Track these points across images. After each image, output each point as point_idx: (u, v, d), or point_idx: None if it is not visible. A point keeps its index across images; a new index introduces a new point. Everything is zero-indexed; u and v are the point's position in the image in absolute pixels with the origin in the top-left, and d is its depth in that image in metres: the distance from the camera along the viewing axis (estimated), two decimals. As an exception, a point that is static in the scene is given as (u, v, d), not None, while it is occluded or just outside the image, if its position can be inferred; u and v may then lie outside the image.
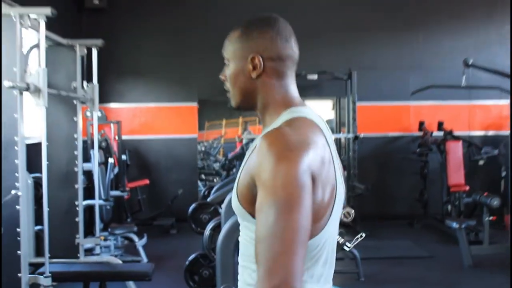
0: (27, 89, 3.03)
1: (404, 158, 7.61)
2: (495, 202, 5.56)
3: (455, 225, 5.57)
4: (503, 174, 6.87)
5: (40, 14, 3.13)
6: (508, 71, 5.79)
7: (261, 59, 1.36)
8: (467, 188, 6.58)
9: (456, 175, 6.71)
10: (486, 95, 7.53)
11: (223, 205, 3.00)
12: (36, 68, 3.16)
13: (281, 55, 1.38)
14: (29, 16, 3.15)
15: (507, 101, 6.19)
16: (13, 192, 2.90)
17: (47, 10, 3.12)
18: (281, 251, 1.06)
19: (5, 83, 2.91)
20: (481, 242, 5.76)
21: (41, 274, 3.15)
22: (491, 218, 5.77)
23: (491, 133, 7.80)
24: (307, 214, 1.11)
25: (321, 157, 1.22)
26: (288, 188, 1.11)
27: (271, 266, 1.05)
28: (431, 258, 5.77)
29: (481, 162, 7.09)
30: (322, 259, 1.30)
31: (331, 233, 1.31)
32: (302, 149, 1.17)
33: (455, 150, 6.81)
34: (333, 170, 1.27)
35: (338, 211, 1.32)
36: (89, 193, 5.13)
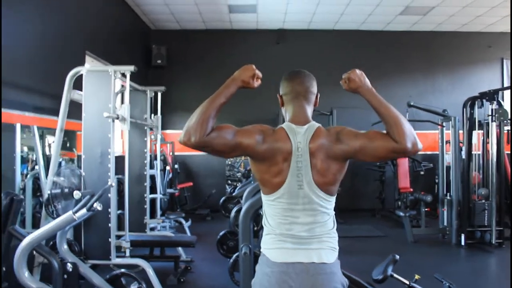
0: (117, 118, 3.17)
1: (368, 169, 7.69)
2: (429, 198, 5.66)
3: (402, 214, 5.68)
4: (436, 180, 6.95)
5: (127, 70, 3.29)
6: (437, 110, 5.96)
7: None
8: (411, 189, 6.63)
9: (404, 181, 6.75)
10: (423, 126, 7.61)
11: (244, 195, 3.18)
12: (122, 105, 3.28)
13: (285, 91, 1.60)
14: (119, 71, 3.34)
15: (437, 131, 6.33)
16: (109, 182, 3.10)
17: (132, 67, 3.27)
18: None
19: (104, 114, 3.10)
20: (420, 226, 5.85)
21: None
22: (426, 209, 5.89)
23: (428, 152, 7.89)
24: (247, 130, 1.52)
25: (272, 137, 1.48)
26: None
27: None
28: (386, 237, 5.85)
29: (421, 172, 7.17)
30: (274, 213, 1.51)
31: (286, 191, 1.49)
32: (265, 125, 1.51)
33: (403, 164, 6.86)
34: (282, 154, 1.47)
35: (290, 194, 1.48)
36: (153, 189, 5.30)
